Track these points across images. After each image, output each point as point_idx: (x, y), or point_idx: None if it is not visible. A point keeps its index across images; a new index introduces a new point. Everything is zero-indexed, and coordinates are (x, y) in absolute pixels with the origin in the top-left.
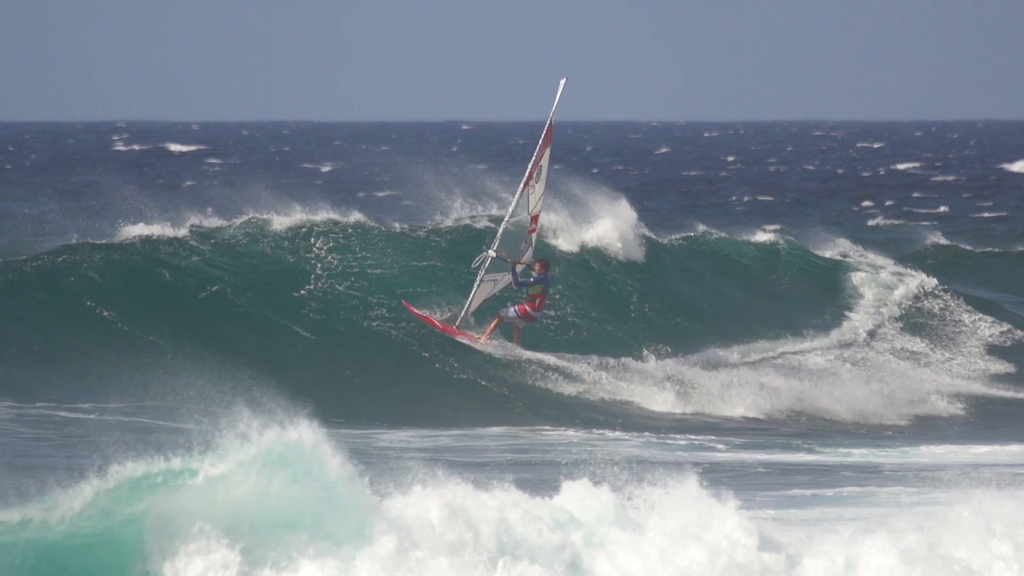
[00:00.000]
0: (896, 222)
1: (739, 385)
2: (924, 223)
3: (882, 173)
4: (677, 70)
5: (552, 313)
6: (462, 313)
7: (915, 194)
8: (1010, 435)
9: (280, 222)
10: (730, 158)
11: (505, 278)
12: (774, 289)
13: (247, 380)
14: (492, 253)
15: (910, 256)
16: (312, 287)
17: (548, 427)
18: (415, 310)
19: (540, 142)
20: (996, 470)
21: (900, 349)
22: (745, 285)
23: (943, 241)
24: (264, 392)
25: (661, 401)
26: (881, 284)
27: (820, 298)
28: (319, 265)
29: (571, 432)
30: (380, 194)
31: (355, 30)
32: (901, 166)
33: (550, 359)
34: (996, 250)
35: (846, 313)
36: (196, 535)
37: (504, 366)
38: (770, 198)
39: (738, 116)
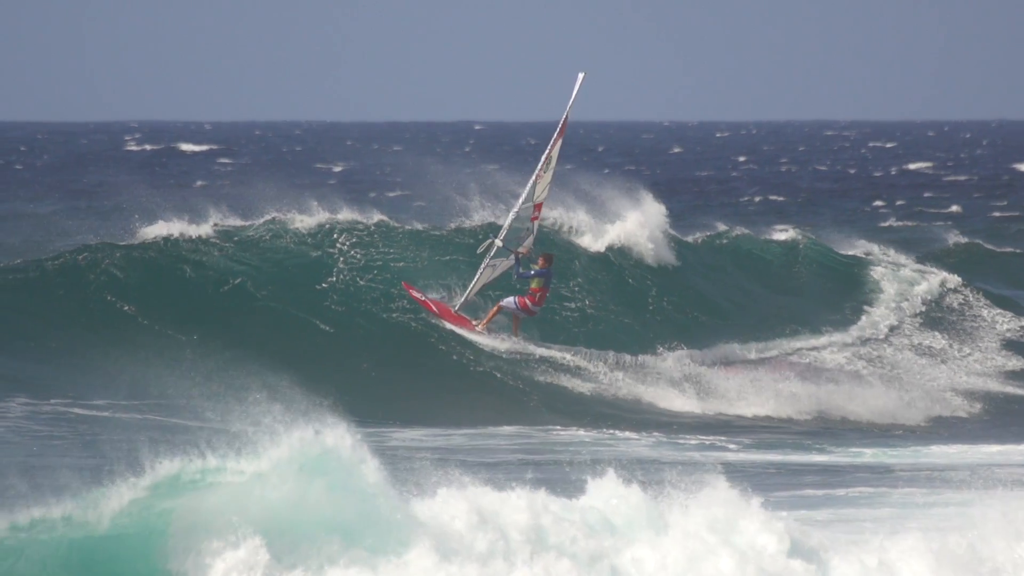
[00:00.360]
0: (909, 223)
1: (755, 392)
2: (937, 223)
3: (894, 173)
4: (690, 70)
5: (572, 305)
6: (462, 298)
7: (927, 194)
8: (1022, 434)
9: (302, 221)
10: (742, 158)
11: (504, 264)
12: (794, 285)
13: (272, 376)
14: (499, 242)
15: (932, 254)
16: (334, 280)
17: (560, 427)
18: (414, 293)
19: (556, 133)
20: (1008, 470)
21: (919, 345)
22: (766, 281)
23: (964, 239)
24: (296, 391)
25: (676, 401)
26: (903, 280)
27: (841, 294)
28: (341, 259)
29: (582, 432)
30: (392, 194)
31: (368, 31)
32: (913, 166)
33: (566, 356)
34: (1017, 250)
35: (866, 308)
36: (229, 534)
37: (518, 362)
38: (781, 198)
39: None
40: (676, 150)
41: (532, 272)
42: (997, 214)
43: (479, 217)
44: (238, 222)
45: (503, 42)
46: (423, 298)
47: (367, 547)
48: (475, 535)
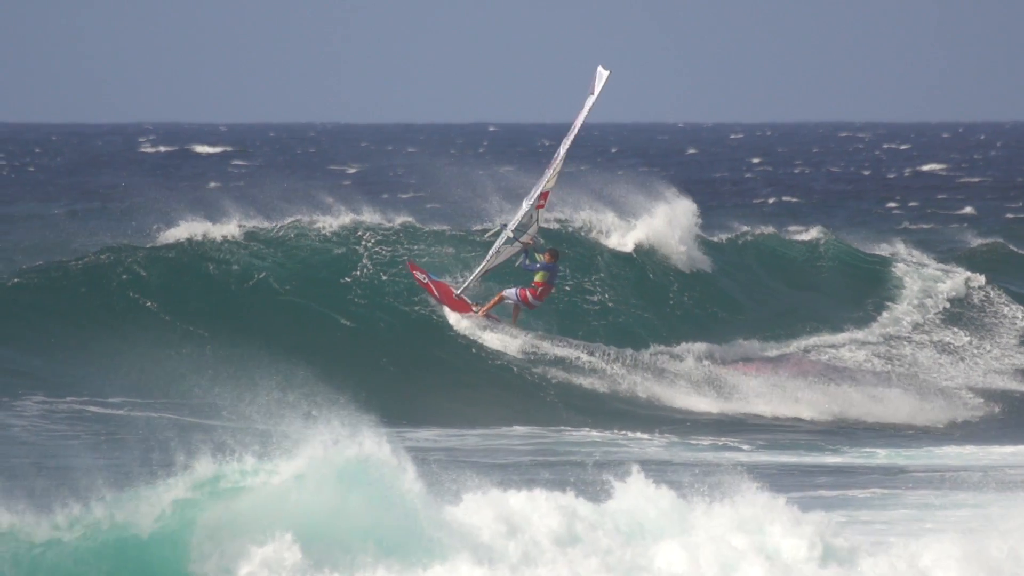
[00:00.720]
0: (924, 225)
1: (774, 394)
2: (952, 224)
3: (908, 174)
4: (705, 72)
5: (593, 299)
6: (467, 281)
7: (940, 195)
8: None
9: (326, 222)
10: (756, 159)
11: (507, 251)
12: (818, 282)
13: (300, 377)
14: (510, 232)
15: (954, 254)
16: (358, 274)
17: (571, 428)
18: (417, 275)
19: (575, 124)
20: (1022, 472)
21: (939, 342)
22: (789, 279)
23: (987, 240)
24: (329, 394)
25: (692, 400)
26: (927, 278)
27: (864, 292)
28: (366, 255)
29: (595, 433)
30: (404, 195)
31: (383, 33)
32: (927, 167)
33: (581, 356)
34: None
35: (889, 305)
36: (265, 537)
37: (532, 359)
38: (796, 199)
39: (765, 118)
40: (691, 151)
41: (537, 265)
42: (1011, 216)
43: (500, 222)
44: (262, 223)
45: (517, 44)
46: (425, 280)
47: (398, 554)
48: (506, 543)
